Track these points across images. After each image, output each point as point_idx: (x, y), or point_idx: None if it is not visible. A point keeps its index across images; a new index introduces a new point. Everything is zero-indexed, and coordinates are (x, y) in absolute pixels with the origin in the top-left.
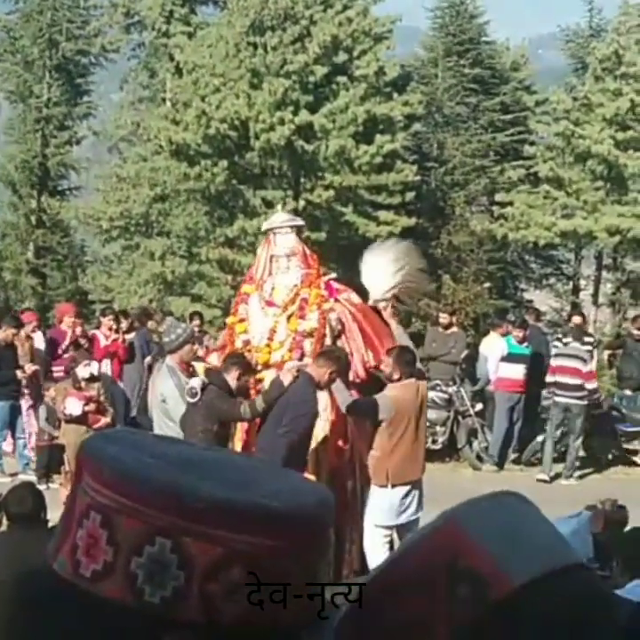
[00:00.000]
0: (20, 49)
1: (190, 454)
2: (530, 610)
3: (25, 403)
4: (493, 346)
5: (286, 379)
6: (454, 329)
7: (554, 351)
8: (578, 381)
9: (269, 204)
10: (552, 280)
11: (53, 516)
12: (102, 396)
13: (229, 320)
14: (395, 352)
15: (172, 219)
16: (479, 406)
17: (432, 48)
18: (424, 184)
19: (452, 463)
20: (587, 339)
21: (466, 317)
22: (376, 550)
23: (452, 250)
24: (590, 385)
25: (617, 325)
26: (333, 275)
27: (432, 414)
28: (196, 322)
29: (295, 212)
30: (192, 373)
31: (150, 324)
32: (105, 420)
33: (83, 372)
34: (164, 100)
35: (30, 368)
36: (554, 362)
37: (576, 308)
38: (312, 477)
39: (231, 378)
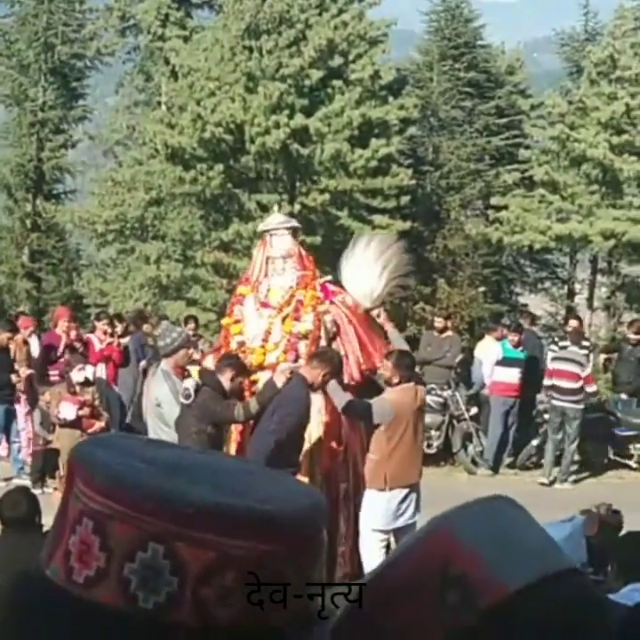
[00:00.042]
0: (15, 52)
1: (182, 459)
2: (523, 616)
3: (22, 407)
4: (488, 350)
5: (280, 380)
6: (449, 333)
7: (551, 355)
8: (575, 385)
9: (265, 208)
10: (547, 284)
11: (48, 520)
12: (97, 401)
13: (225, 321)
14: (394, 356)
15: (167, 222)
16: (474, 410)
17: (427, 52)
18: (419, 188)
19: (447, 467)
20: (584, 343)
21: (461, 321)
22: (373, 554)
23: (448, 254)
24: (590, 388)
25: (612, 329)
26: (329, 277)
27: (427, 418)
28: (191, 325)
29: (290, 215)
30: (187, 377)
31: (145, 327)
32: (99, 425)
33: (77, 376)
34: (159, 103)
35: (25, 372)
36: (551, 365)
37: (571, 311)
38: (305, 479)
39: (225, 379)
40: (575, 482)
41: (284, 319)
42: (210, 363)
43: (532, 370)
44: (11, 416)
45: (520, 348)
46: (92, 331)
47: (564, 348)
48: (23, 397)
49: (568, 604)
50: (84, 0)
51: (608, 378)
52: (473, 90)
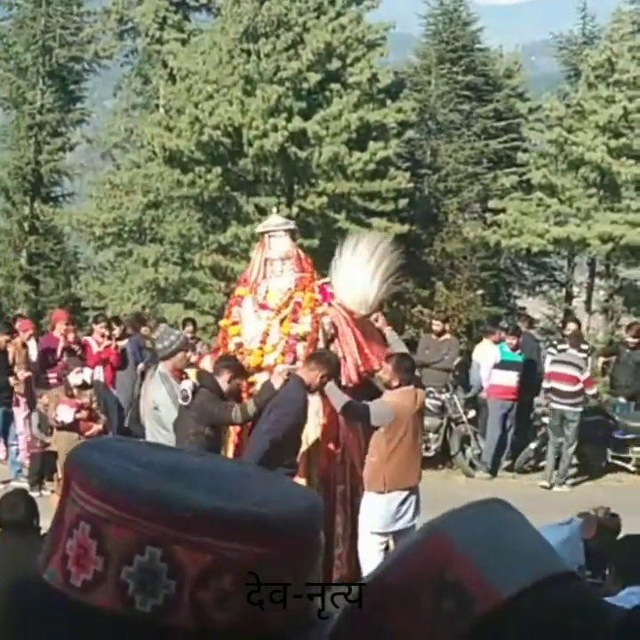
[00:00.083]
0: (13, 55)
1: (178, 462)
2: (517, 621)
3: (22, 410)
4: (486, 353)
5: (277, 382)
6: (447, 336)
7: (550, 358)
8: (573, 388)
9: (263, 211)
10: (545, 287)
11: (46, 523)
12: (94, 404)
13: (223, 322)
14: (394, 359)
15: (165, 225)
16: (472, 413)
17: (425, 55)
18: (417, 191)
19: (444, 470)
20: (583, 346)
21: (459, 324)
22: (371, 557)
23: (445, 257)
24: (591, 391)
25: (610, 332)
26: (327, 279)
27: (425, 421)
28: (189, 328)
29: (288, 218)
30: (184, 379)
31: (144, 330)
32: (97, 428)
33: (74, 379)
34: (157, 106)
35: (23, 375)
36: (550, 368)
37: (569, 315)
38: (303, 481)
39: (222, 381)
40: (573, 485)
41: (282, 321)
42: (208, 364)
43: (530, 373)
44: (8, 419)
45: (518, 352)
46: (90, 333)
47: (563, 350)
48: (23, 401)
49: (564, 608)
50: (81, 3)
51: (606, 381)
52: (471, 93)
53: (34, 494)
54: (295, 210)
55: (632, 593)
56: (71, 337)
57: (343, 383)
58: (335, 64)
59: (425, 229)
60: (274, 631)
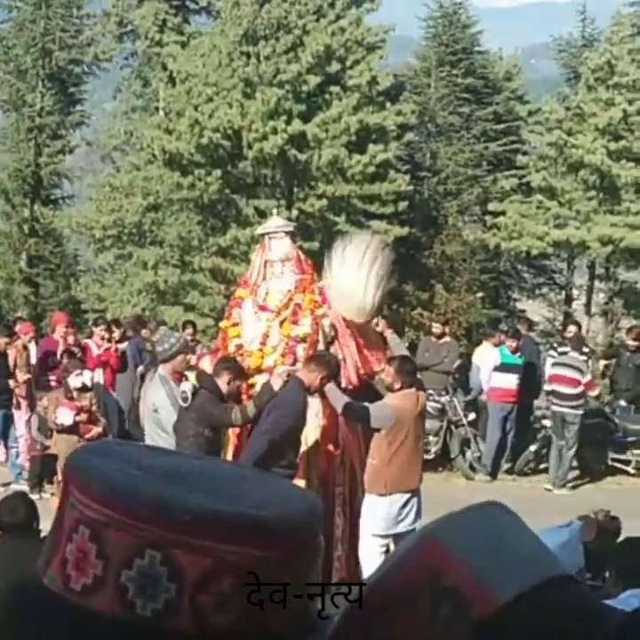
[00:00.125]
0: (13, 58)
1: (178, 465)
2: (515, 626)
3: (24, 413)
4: (486, 356)
5: (277, 383)
6: (447, 339)
7: (552, 360)
8: (574, 391)
9: (262, 214)
10: (545, 290)
11: (46, 525)
12: (94, 406)
13: (223, 324)
14: (396, 362)
15: (164, 228)
16: (472, 416)
17: (425, 58)
18: (417, 194)
19: (444, 473)
20: (584, 349)
21: (459, 327)
22: (372, 559)
23: (445, 259)
24: (593, 393)
25: (609, 335)
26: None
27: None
28: (189, 330)
29: (288, 221)
30: (184, 381)
31: (144, 332)
32: (96, 430)
33: (74, 381)
34: (157, 109)
35: (22, 377)
36: (552, 371)
37: (569, 317)
38: (302, 482)
39: (222, 382)
40: (573, 487)
41: (282, 322)
42: (207, 364)
43: (530, 376)
44: (8, 421)
45: (518, 354)
46: (90, 336)
47: (564, 353)
48: (24, 403)
49: (562, 612)
50: (81, 5)
51: (606, 384)
52: (470, 96)
53: (34, 497)
54: (295, 212)
55: (632, 595)
56: (71, 340)
57: (343, 385)
58: (335, 67)
59: (425, 232)
60: (274, 633)
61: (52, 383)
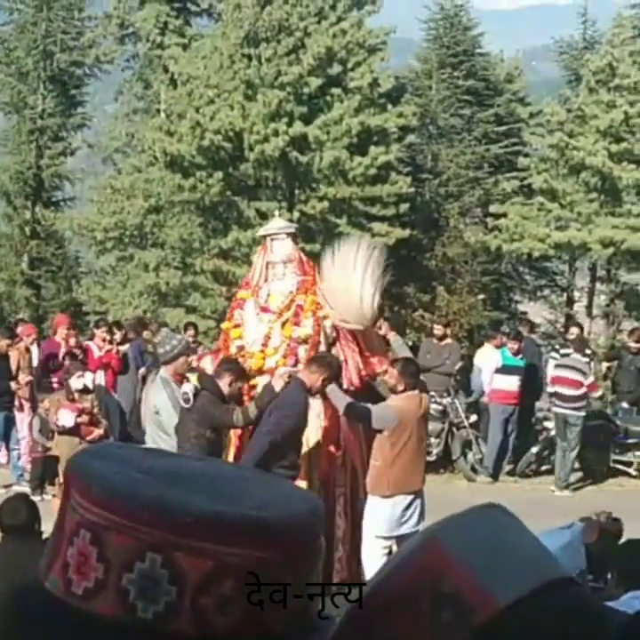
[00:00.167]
0: (14, 60)
1: (179, 467)
2: (517, 629)
3: (26, 415)
4: (488, 357)
5: (278, 384)
6: (448, 340)
7: (554, 362)
8: (577, 392)
9: (264, 216)
10: (546, 292)
11: (47, 527)
12: (96, 408)
13: (224, 325)
14: (400, 364)
15: (166, 230)
16: (473, 418)
17: (426, 60)
18: (418, 196)
19: (446, 475)
20: (587, 350)
21: (460, 329)
22: (374, 560)
23: (447, 261)
24: (596, 394)
25: (611, 337)
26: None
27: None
28: (191, 332)
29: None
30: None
31: (146, 334)
32: (98, 432)
33: (76, 383)
34: (158, 111)
35: (24, 379)
36: (554, 372)
37: (570, 319)
38: (303, 483)
39: (224, 384)
40: (575, 489)
41: (283, 324)
42: (208, 364)
43: (532, 377)
44: (10, 423)
45: (519, 356)
46: (91, 338)
47: (567, 355)
48: (28, 405)
49: (563, 614)
50: (82, 8)
51: (607, 385)
52: (472, 98)
53: (35, 498)
54: (296, 214)
55: (634, 597)
56: (72, 341)
57: (345, 387)
58: (336, 69)
59: (426, 234)
60: (275, 634)
61: (54, 385)
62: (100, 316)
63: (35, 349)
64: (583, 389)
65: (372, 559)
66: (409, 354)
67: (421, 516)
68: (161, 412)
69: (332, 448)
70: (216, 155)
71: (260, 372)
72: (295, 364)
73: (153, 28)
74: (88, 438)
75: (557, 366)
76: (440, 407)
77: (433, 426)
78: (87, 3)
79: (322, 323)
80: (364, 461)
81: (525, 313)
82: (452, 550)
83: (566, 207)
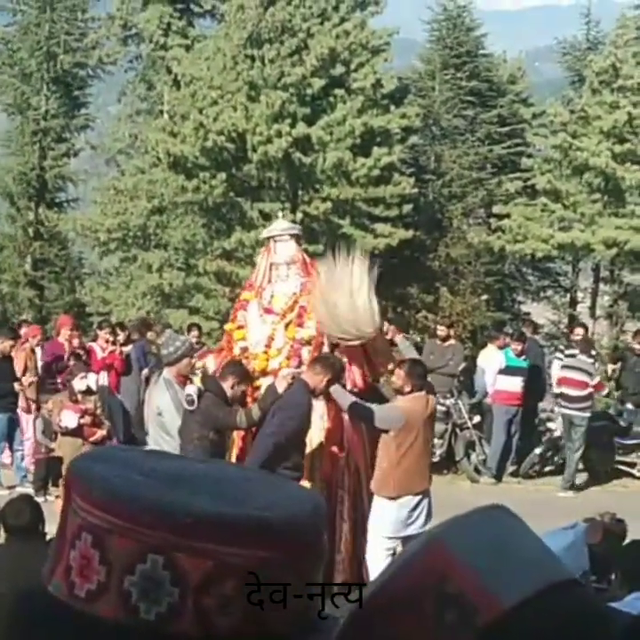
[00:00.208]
0: (17, 61)
1: (181, 469)
2: (521, 631)
3: (32, 416)
4: (491, 358)
5: (281, 386)
6: (452, 341)
7: (560, 363)
8: (582, 393)
9: (267, 217)
10: (549, 292)
11: (51, 528)
12: (98, 409)
13: (228, 326)
14: (406, 365)
15: (169, 231)
16: (477, 419)
17: (429, 61)
18: (421, 196)
19: (449, 475)
20: (592, 351)
21: (463, 330)
22: (378, 561)
23: (450, 262)
24: (603, 392)
25: (614, 338)
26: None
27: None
28: (195, 333)
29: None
30: (189, 385)
31: (149, 334)
32: (101, 433)
33: (79, 384)
34: (161, 112)
35: (28, 380)
36: (561, 373)
37: (573, 320)
38: (307, 485)
39: (227, 386)
40: (579, 490)
41: (287, 325)
42: (210, 362)
43: (535, 378)
44: (14, 424)
45: (523, 357)
46: (95, 339)
47: (572, 356)
48: (34, 406)
49: (567, 616)
50: (86, 9)
51: (611, 386)
52: (475, 99)
53: (39, 500)
54: (299, 215)
55: (638, 598)
56: (76, 342)
57: (348, 388)
58: (339, 70)
59: (429, 235)
60: (277, 634)
61: (58, 386)
62: (103, 317)
63: (38, 350)
64: (589, 390)
65: (377, 560)
66: (416, 355)
67: (428, 517)
68: (164, 413)
69: (334, 449)
70: (219, 156)
71: (264, 373)
72: (298, 366)
73: (156, 30)
74: (91, 439)
75: (563, 367)
76: (443, 408)
77: (436, 427)
78: (90, 4)
79: None
80: (367, 463)
81: (528, 314)
82: (455, 552)
83: (569, 208)
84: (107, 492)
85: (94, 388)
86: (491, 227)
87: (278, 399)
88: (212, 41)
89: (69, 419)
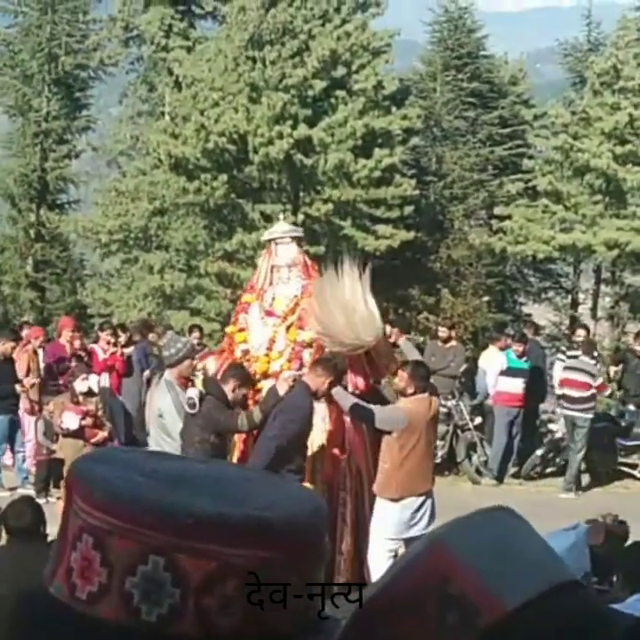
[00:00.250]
0: (19, 63)
1: (183, 470)
2: (523, 633)
3: (33, 417)
4: (492, 360)
5: (282, 388)
6: (453, 343)
7: (562, 364)
8: (585, 394)
9: (268, 218)
10: (551, 294)
11: (52, 529)
12: (100, 411)
13: (229, 329)
14: (410, 367)
15: (170, 232)
16: (478, 420)
17: (430, 62)
18: (423, 198)
19: (451, 477)
20: (595, 353)
21: (465, 331)
22: (380, 563)
23: (451, 264)
24: (606, 393)
25: (616, 339)
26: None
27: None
28: (196, 334)
29: (294, 225)
30: (190, 387)
31: (151, 336)
32: (102, 435)
33: (80, 386)
34: (162, 113)
35: (29, 381)
36: (563, 374)
37: (575, 321)
38: (309, 487)
39: (229, 389)
40: (580, 491)
41: (288, 328)
42: (211, 364)
43: (536, 380)
44: (15, 426)
45: (524, 358)
46: (96, 340)
47: (574, 357)
48: (37, 408)
49: (570, 617)
50: (87, 11)
51: (613, 387)
52: (476, 100)
53: (40, 501)
54: (301, 217)
55: None
56: (77, 344)
57: (350, 390)
58: (340, 71)
59: (431, 236)
60: (278, 634)
61: (60, 388)
62: (104, 319)
63: (40, 352)
64: (591, 391)
65: (379, 562)
66: (419, 357)
67: (432, 518)
68: (165, 415)
69: (336, 451)
70: (220, 157)
71: (265, 375)
72: (300, 368)
73: (157, 31)
74: (92, 441)
75: (566, 369)
76: (445, 409)
77: (437, 428)
78: (92, 5)
79: None
80: (369, 465)
81: (530, 315)
82: (457, 553)
83: (571, 209)
84: (108, 494)
85: (96, 389)
86: (492, 228)
87: (280, 402)
88: (213, 42)
89: (71, 420)
